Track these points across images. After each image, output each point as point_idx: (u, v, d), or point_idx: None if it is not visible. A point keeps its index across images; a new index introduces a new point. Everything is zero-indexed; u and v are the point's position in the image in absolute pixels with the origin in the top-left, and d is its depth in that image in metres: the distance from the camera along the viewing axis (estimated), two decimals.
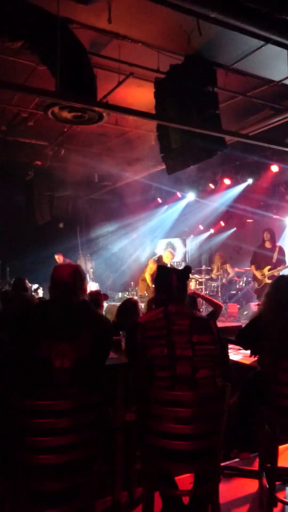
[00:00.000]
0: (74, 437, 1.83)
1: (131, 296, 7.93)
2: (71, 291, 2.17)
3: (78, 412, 1.84)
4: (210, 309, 4.52)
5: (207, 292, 9.15)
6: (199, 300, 4.58)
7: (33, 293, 7.01)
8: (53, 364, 1.96)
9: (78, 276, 2.25)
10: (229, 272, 9.45)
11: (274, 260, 7.21)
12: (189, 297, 3.91)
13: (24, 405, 1.79)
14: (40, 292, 7.83)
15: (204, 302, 6.25)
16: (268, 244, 7.38)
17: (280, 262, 7.21)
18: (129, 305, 3.73)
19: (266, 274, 7.36)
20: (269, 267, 7.33)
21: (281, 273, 6.69)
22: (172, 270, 2.49)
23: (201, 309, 6.63)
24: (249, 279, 9.67)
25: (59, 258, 9.77)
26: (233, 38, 4.23)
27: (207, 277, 9.52)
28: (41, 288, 7.88)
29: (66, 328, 2.05)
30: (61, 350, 1.98)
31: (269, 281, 7.21)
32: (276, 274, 7.23)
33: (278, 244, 7.43)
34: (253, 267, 7.70)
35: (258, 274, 7.54)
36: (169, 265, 9.21)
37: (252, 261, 7.78)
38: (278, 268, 7.16)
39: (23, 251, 10.26)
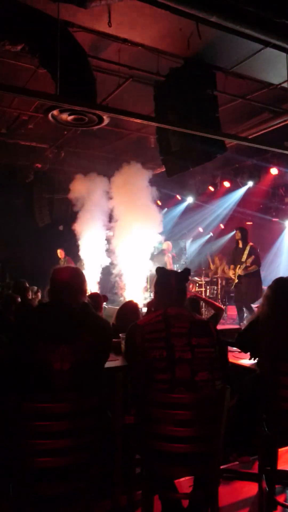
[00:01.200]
0: (73, 440, 1.82)
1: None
2: (71, 293, 2.16)
3: (77, 415, 1.83)
4: (211, 312, 4.53)
5: (207, 295, 9.16)
6: (201, 302, 4.58)
7: (33, 296, 7.01)
8: (53, 367, 1.96)
9: (78, 278, 2.25)
10: (225, 272, 9.45)
11: (243, 259, 7.17)
12: (191, 300, 3.93)
13: (23, 408, 1.79)
14: (39, 295, 7.84)
15: (204, 304, 6.26)
16: (240, 244, 7.35)
17: (251, 261, 7.16)
18: (129, 308, 3.73)
19: (236, 274, 7.33)
20: (238, 266, 7.30)
21: (280, 275, 6.65)
22: (171, 272, 2.49)
23: (202, 312, 6.62)
24: None
25: (61, 253, 9.85)
26: (232, 42, 4.26)
27: (207, 279, 9.52)
28: (39, 292, 7.89)
29: (66, 331, 2.05)
30: (60, 352, 1.98)
31: (237, 280, 7.23)
32: (240, 272, 7.21)
33: (251, 242, 7.35)
34: (231, 267, 7.62)
35: (231, 273, 7.52)
36: (170, 254, 9.33)
37: (228, 261, 7.76)
38: (249, 269, 7.12)
39: (22, 253, 10.27)
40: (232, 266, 7.50)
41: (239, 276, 7.22)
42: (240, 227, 7.69)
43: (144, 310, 4.66)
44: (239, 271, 7.25)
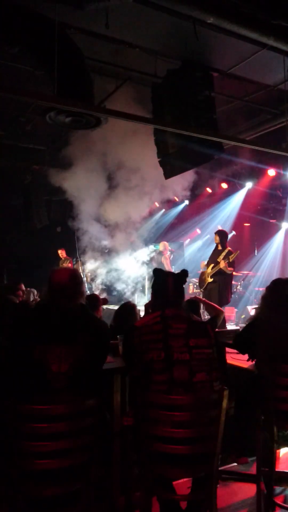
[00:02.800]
0: (72, 442, 1.82)
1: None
2: (69, 295, 2.16)
3: (75, 417, 1.83)
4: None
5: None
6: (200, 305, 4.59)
7: (33, 298, 6.98)
8: (50, 369, 1.95)
9: (76, 280, 2.25)
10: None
11: (219, 259, 7.20)
12: (190, 302, 3.92)
13: (21, 410, 1.78)
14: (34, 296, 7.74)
15: (203, 307, 6.25)
16: (219, 247, 7.40)
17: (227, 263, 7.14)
18: (127, 309, 3.73)
19: (207, 274, 7.30)
20: (211, 265, 7.31)
21: (276, 276, 6.62)
22: (169, 273, 2.49)
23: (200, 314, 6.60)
24: (247, 282, 9.69)
25: (61, 253, 9.84)
26: (229, 44, 4.27)
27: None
28: (34, 293, 7.81)
29: (63, 332, 2.05)
30: (58, 354, 1.97)
31: (210, 279, 7.18)
32: (207, 275, 7.23)
33: (229, 247, 7.35)
34: (210, 266, 7.67)
35: (204, 275, 7.55)
36: (167, 254, 9.33)
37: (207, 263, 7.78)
38: (226, 268, 7.12)
39: (20, 255, 10.25)
40: (211, 265, 7.53)
41: (213, 275, 7.21)
42: (219, 231, 7.71)
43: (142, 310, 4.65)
44: (211, 270, 7.25)
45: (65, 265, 9.54)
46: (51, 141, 8.04)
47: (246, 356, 3.02)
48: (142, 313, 4.28)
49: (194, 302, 4.06)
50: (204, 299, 5.04)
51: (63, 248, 9.97)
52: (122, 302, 3.89)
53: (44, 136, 7.80)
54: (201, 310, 6.32)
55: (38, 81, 4.97)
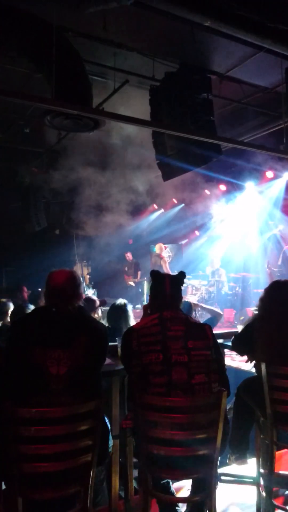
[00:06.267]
0: (70, 444, 1.82)
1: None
2: (67, 297, 2.16)
3: (74, 420, 1.82)
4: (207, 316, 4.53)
5: (204, 297, 9.17)
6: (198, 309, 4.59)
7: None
8: (49, 371, 1.95)
9: (73, 282, 2.25)
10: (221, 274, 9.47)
11: None
12: (187, 305, 3.89)
13: (19, 413, 1.78)
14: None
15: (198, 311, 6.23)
16: None
17: None
18: (117, 308, 3.68)
19: None
20: None
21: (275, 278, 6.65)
22: (166, 276, 2.49)
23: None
24: (245, 284, 9.69)
25: (128, 256, 9.85)
26: (226, 46, 4.30)
27: (204, 283, 9.53)
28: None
29: (62, 335, 2.05)
30: (56, 357, 1.97)
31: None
32: None
33: None
34: None
35: None
36: (166, 255, 9.36)
37: None
38: None
39: (19, 257, 10.25)
40: None
41: None
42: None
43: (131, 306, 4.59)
44: None
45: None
46: (50, 144, 8.04)
47: (245, 358, 3.03)
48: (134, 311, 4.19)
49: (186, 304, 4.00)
50: (201, 304, 5.04)
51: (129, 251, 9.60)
52: (112, 303, 3.82)
53: (42, 139, 7.80)
54: (195, 314, 6.30)
55: (37, 84, 4.98)
